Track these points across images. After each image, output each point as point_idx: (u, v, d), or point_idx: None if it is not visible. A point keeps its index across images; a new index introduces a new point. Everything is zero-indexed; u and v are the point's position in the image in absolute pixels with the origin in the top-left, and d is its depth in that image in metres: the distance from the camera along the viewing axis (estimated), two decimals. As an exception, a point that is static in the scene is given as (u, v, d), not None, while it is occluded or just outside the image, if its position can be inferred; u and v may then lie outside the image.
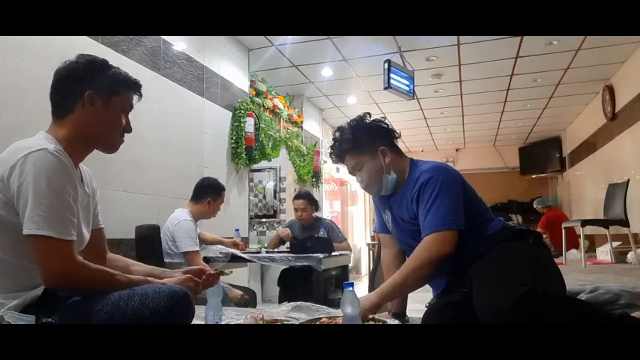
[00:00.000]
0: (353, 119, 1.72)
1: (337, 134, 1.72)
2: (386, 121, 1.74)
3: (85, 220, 1.32)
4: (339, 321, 1.46)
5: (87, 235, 1.32)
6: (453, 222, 1.47)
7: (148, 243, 2.71)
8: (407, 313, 1.78)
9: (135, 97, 1.36)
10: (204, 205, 2.88)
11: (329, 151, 1.78)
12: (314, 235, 3.56)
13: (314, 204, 3.75)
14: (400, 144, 1.75)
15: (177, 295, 1.12)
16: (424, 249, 1.48)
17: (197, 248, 2.74)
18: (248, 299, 2.81)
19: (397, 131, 1.74)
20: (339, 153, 1.71)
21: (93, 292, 1.14)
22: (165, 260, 2.74)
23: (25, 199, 1.08)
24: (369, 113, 1.73)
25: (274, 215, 5.63)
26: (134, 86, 1.34)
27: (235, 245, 3.17)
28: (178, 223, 2.75)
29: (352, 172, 1.73)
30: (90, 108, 1.25)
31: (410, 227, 1.62)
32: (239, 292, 2.74)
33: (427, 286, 1.73)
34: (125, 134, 1.35)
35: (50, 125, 1.27)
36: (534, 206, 7.26)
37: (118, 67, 1.33)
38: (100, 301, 1.11)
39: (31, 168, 1.09)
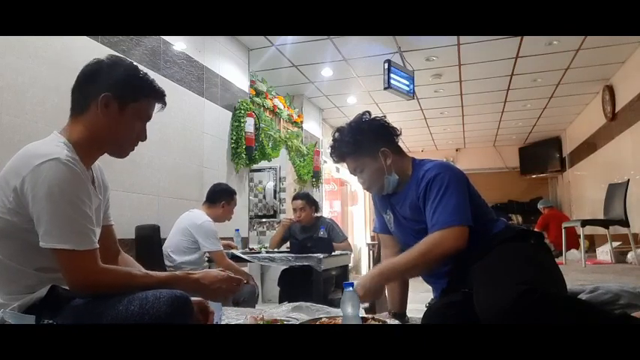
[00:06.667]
0: (352, 120, 1.68)
1: (337, 135, 1.68)
2: (386, 119, 1.70)
3: (96, 222, 1.31)
4: (339, 321, 1.46)
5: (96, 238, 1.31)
6: (463, 218, 1.47)
7: (147, 243, 2.72)
8: (407, 313, 1.78)
9: (157, 107, 1.32)
10: (218, 209, 3.03)
11: (329, 151, 1.75)
12: (314, 236, 3.56)
13: (313, 204, 3.76)
14: (400, 144, 1.72)
15: (178, 300, 1.09)
16: (435, 242, 1.46)
17: (222, 248, 2.91)
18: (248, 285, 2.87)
19: (398, 129, 1.70)
20: (339, 155, 1.69)
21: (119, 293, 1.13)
22: (178, 258, 2.79)
23: (40, 211, 1.08)
24: (368, 112, 1.69)
25: (274, 215, 5.63)
26: (156, 95, 1.30)
27: (229, 247, 3.30)
28: (202, 223, 2.85)
29: (353, 173, 1.72)
30: (104, 111, 1.22)
31: (413, 226, 1.61)
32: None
33: (427, 286, 1.74)
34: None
35: (67, 123, 1.26)
36: (538, 207, 7.30)
37: (146, 74, 1.28)
38: (102, 304, 1.10)
39: (45, 179, 1.08)
